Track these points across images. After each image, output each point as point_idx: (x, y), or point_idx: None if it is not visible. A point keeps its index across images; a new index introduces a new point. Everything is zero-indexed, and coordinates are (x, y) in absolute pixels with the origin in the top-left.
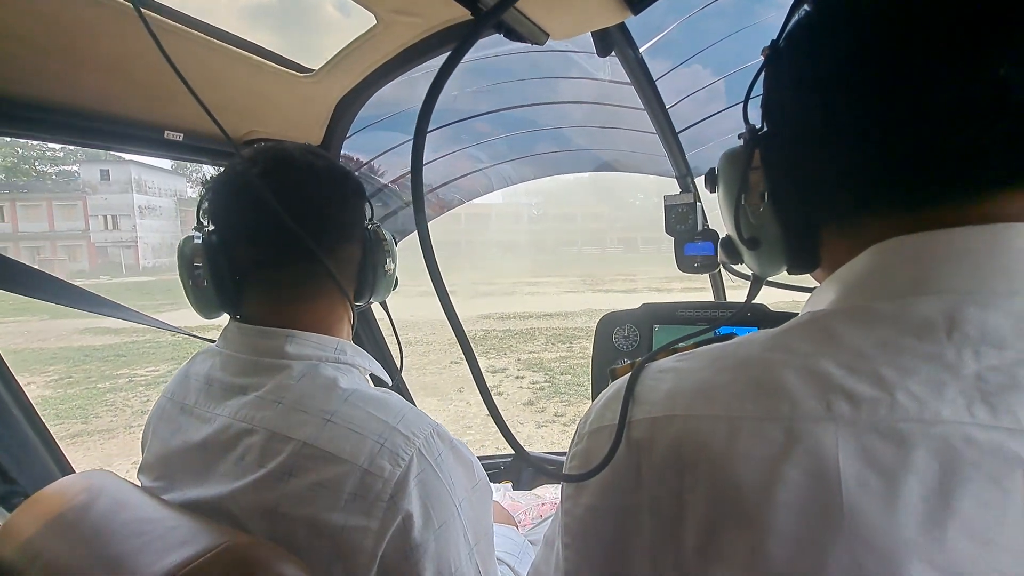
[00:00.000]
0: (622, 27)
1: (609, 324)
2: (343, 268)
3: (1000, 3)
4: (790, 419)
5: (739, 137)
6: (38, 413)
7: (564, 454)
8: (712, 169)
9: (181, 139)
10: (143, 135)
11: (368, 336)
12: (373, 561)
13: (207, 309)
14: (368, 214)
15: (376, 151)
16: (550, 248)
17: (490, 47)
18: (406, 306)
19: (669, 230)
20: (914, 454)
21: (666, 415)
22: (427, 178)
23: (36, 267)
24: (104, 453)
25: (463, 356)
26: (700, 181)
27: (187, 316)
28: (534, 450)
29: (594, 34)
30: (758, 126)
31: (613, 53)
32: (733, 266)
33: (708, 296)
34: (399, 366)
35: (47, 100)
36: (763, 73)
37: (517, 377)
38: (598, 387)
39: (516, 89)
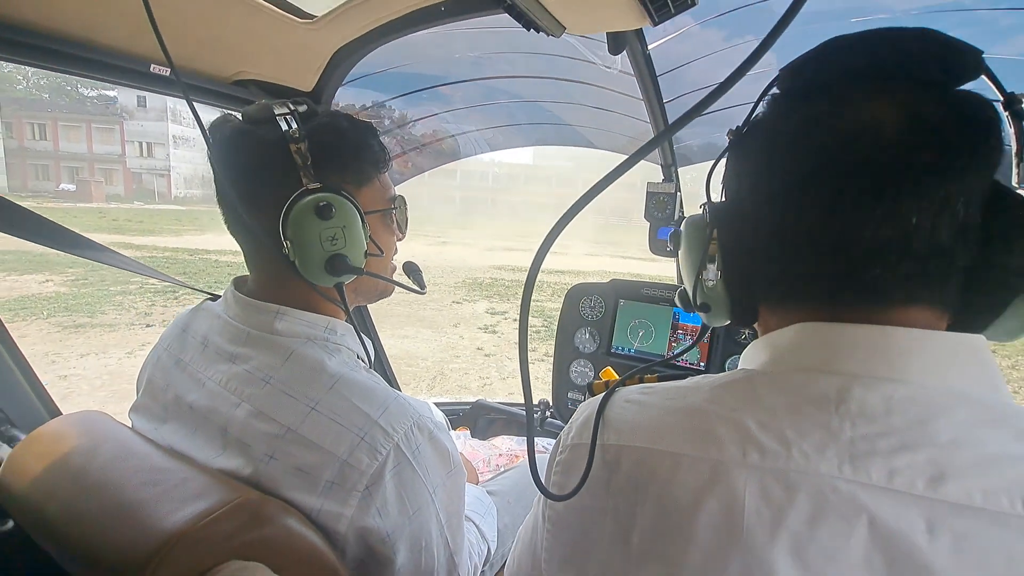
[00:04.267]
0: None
1: (578, 294)
2: (275, 240)
3: (914, 161)
4: (716, 460)
5: (700, 207)
6: (23, 353)
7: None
8: (676, 231)
9: (167, 74)
10: (126, 66)
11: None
12: (346, 541)
13: None
14: (305, 183)
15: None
16: (579, 215)
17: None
18: (424, 252)
19: (648, 216)
20: (797, 496)
21: (630, 445)
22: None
23: (74, 187)
24: (102, 343)
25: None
26: (683, 172)
27: (209, 240)
28: (507, 388)
29: (609, 33)
30: (717, 199)
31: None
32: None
33: None
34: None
35: (22, 21)
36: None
37: (515, 320)
38: (561, 351)
39: (501, 58)
